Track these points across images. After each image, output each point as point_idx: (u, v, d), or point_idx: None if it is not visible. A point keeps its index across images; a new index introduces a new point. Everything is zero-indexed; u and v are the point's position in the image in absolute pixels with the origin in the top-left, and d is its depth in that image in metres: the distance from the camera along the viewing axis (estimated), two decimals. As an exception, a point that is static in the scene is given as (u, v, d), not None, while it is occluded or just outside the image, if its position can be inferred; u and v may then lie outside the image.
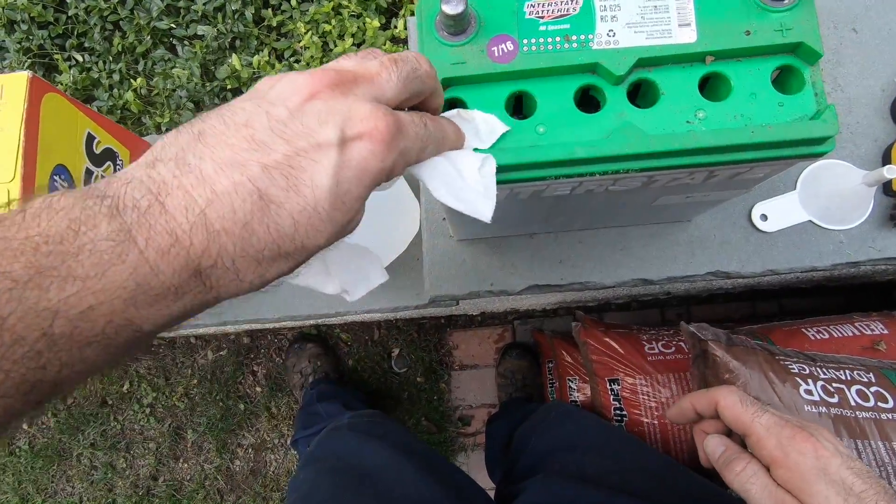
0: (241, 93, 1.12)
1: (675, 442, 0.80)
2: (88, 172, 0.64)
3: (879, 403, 0.58)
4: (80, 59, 1.01)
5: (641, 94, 0.37)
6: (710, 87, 0.36)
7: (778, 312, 1.33)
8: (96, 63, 0.99)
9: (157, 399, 1.41)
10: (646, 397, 0.80)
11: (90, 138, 0.65)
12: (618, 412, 0.82)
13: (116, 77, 1.00)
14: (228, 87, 0.97)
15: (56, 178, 0.59)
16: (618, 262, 0.55)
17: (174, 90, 0.97)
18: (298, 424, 1.17)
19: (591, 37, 0.35)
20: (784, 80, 0.36)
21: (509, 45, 0.35)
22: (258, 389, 1.40)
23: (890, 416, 0.57)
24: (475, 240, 0.57)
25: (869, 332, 0.80)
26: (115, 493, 1.40)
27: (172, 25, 0.97)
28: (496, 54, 0.35)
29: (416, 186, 0.76)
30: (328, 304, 0.80)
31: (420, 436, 1.33)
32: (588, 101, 0.38)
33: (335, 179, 0.22)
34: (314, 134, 0.22)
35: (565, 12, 0.35)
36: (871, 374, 0.61)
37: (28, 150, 0.55)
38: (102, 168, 0.66)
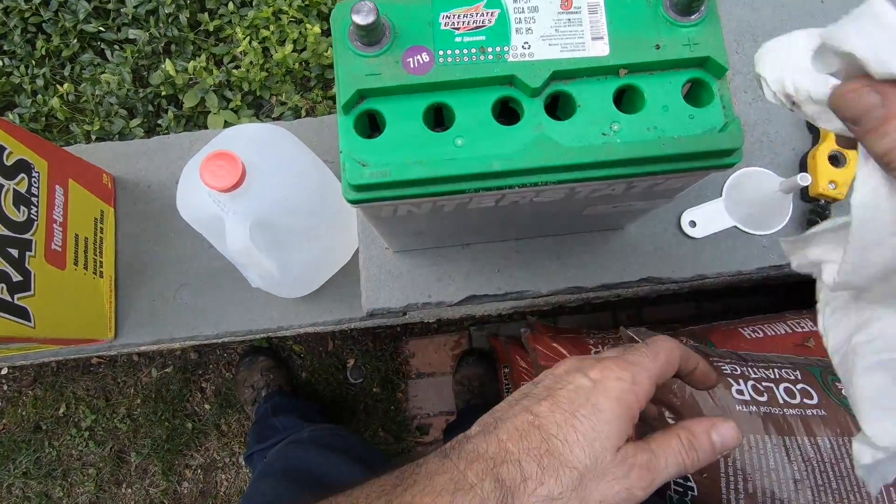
0: (177, 99, 1.09)
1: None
2: (-2, 186, 0.59)
3: (805, 400, 0.60)
4: (-1, 63, 0.95)
5: (560, 107, 0.37)
6: (626, 99, 0.37)
7: (722, 311, 1.38)
8: (17, 67, 0.93)
9: (97, 422, 1.33)
10: (592, 401, 0.81)
11: (0, 149, 0.61)
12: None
13: (40, 82, 0.94)
14: (163, 93, 0.93)
15: (-41, 193, 0.54)
16: (553, 270, 0.55)
17: (104, 96, 0.92)
18: (252, 439, 1.13)
19: (506, 49, 0.35)
20: (695, 94, 0.36)
21: (425, 57, 0.35)
22: (207, 407, 1.35)
23: (814, 412, 0.59)
24: (411, 251, 0.56)
25: (800, 330, 0.83)
26: (52, 524, 1.31)
27: (101, 28, 0.92)
28: (412, 66, 0.35)
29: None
30: (270, 318, 0.77)
31: (378, 447, 1.31)
32: (509, 112, 0.38)
33: None
34: None
35: (481, 24, 0.35)
36: (798, 372, 0.63)
37: (-77, 164, 0.51)
38: (15, 181, 0.62)
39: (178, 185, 0.59)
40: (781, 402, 0.60)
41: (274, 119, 0.95)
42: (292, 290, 0.72)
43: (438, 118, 0.38)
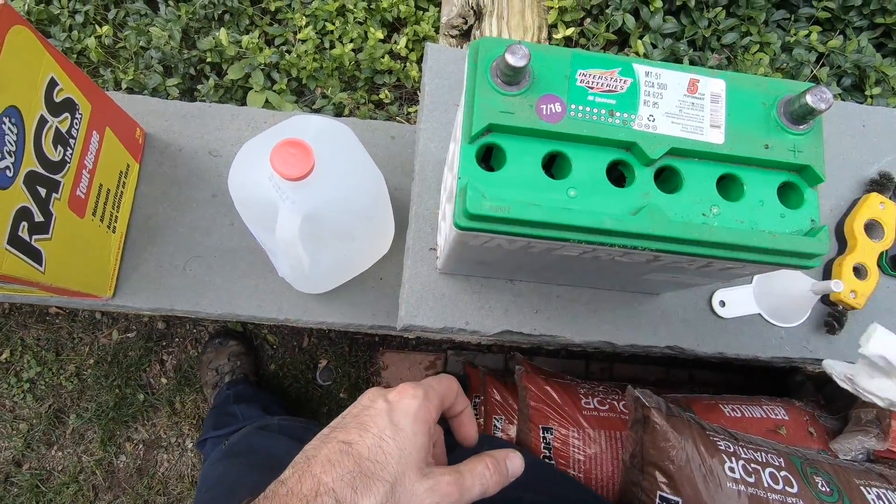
0: (220, 69, 1.06)
1: (599, 492, 0.83)
2: (42, 121, 0.57)
3: (787, 487, 0.64)
4: (39, -13, 0.90)
5: (665, 179, 0.39)
6: (725, 185, 0.39)
7: (687, 381, 1.43)
8: (59, -2, 0.89)
9: (41, 375, 1.25)
10: (576, 450, 0.82)
11: (52, 84, 0.58)
12: (546, 460, 0.84)
13: (80, 18, 0.90)
14: (208, 59, 0.91)
15: (5, 120, 0.52)
16: (589, 322, 0.57)
17: (146, 49, 0.89)
18: (209, 424, 1.08)
19: (633, 117, 0.37)
20: (785, 195, 0.39)
21: (558, 107, 0.36)
22: (164, 381, 1.28)
23: (794, 500, 0.63)
24: (459, 276, 0.56)
25: (773, 417, 0.88)
26: (-36, 475, 1.21)
27: (158, -20, 0.90)
28: (544, 112, 0.36)
29: (397, 209, 0.75)
30: (279, 308, 0.75)
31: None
32: (610, 171, 0.40)
33: None
34: None
35: (613, 89, 0.37)
36: (782, 459, 0.67)
37: (-20, 83, 0.48)
38: (59, 119, 0.59)
39: (234, 160, 0.58)
40: (766, 485, 0.63)
41: (314, 110, 0.94)
42: (314, 286, 0.71)
43: (547, 164, 0.39)
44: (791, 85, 0.38)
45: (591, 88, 0.37)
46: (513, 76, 0.35)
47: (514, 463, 0.33)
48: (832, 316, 0.59)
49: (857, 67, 0.98)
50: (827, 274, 0.61)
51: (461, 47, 0.89)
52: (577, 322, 0.57)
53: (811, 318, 0.60)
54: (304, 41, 0.89)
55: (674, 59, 0.94)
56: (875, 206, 0.62)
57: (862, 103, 0.98)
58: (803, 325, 0.60)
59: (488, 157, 0.39)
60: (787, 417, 0.89)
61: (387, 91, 0.94)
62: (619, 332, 0.57)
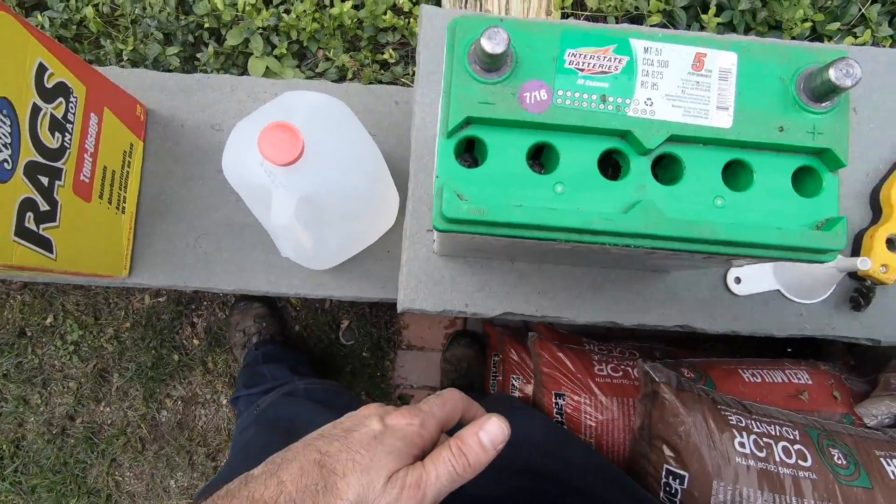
0: (219, 34, 1.02)
1: (610, 456, 0.84)
2: (36, 109, 0.56)
3: (800, 461, 0.63)
4: (32, -45, 0.87)
5: (664, 166, 0.36)
6: (732, 172, 0.36)
7: (710, 339, 1.40)
8: (53, -35, 0.86)
9: (84, 338, 1.33)
10: (587, 416, 0.83)
11: (41, 69, 0.57)
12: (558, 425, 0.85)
13: (76, -13, 0.88)
14: (206, 25, 0.87)
15: (-3, 112, 0.51)
16: (594, 302, 0.55)
17: (142, 17, 0.86)
18: (241, 382, 1.14)
19: (628, 101, 0.33)
20: (801, 180, 0.36)
21: (543, 94, 0.33)
22: (196, 342, 1.35)
23: (806, 474, 0.62)
24: (457, 257, 0.55)
25: (795, 381, 0.86)
26: (26, 428, 1.33)
27: (149, -58, 0.86)
28: (528, 101, 0.33)
29: (402, 179, 0.73)
30: (290, 284, 0.76)
31: (358, 409, 1.33)
32: (605, 159, 0.36)
33: None
34: None
35: (606, 70, 0.33)
36: (797, 432, 0.65)
37: (-35, 79, 0.47)
38: (53, 105, 0.59)
39: (226, 145, 0.56)
40: (778, 460, 0.62)
41: (317, 74, 0.90)
42: (320, 264, 0.71)
43: (535, 154, 0.36)
44: (815, 54, 0.34)
45: (582, 71, 0.33)
46: (491, 63, 0.32)
47: (491, 431, 0.31)
48: (859, 291, 0.55)
49: (917, 0, 0.86)
50: (857, 244, 0.56)
51: (464, 6, 0.83)
52: (580, 302, 0.55)
53: (835, 293, 0.57)
54: (301, 0, 0.84)
55: (700, 2, 0.84)
56: (919, 169, 0.56)
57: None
58: (826, 301, 0.56)
59: (474, 148, 0.36)
60: (810, 382, 0.86)
61: (391, 50, 0.90)
62: (625, 312, 0.55)
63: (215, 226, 0.77)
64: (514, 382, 1.16)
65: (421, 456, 0.31)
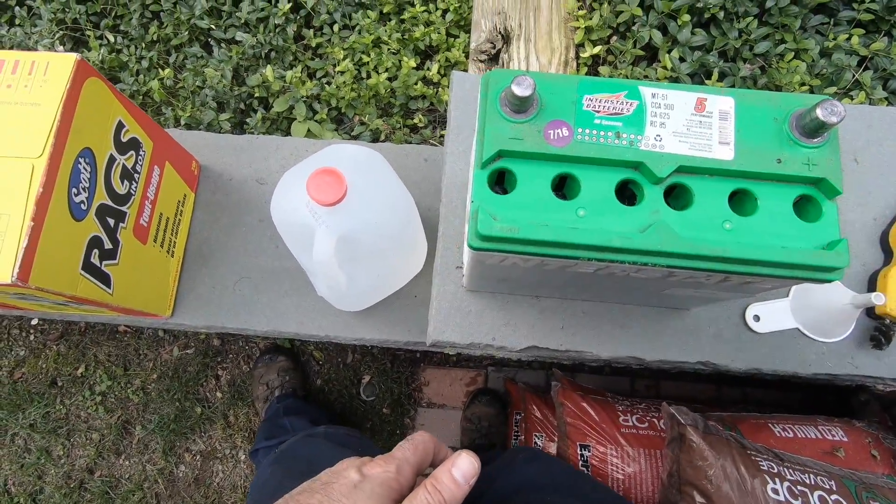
0: (267, 102, 1.15)
1: (636, 517, 0.81)
2: (112, 159, 0.64)
3: (837, 512, 0.60)
4: (111, 39, 1.01)
5: (676, 195, 0.40)
6: (738, 200, 0.39)
7: (741, 399, 1.36)
8: (128, 46, 0.99)
9: (111, 388, 1.35)
10: (614, 468, 0.81)
11: (119, 126, 0.65)
12: (584, 479, 0.83)
13: (145, 64, 1.01)
14: (256, 94, 0.98)
15: (81, 160, 0.59)
16: (616, 337, 0.57)
17: (201, 88, 0.98)
18: (261, 435, 1.14)
19: (639, 137, 0.38)
20: (803, 208, 0.39)
21: (565, 131, 0.38)
22: (219, 395, 1.36)
23: (846, 525, 0.59)
24: (485, 293, 0.58)
25: (830, 438, 0.83)
26: (45, 480, 1.32)
27: (213, 26, 0.99)
28: (552, 136, 0.38)
29: (430, 229, 0.78)
30: (319, 326, 0.80)
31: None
32: (622, 190, 0.41)
33: None
34: None
35: (619, 111, 0.38)
36: (833, 482, 0.64)
37: (61, 130, 0.55)
38: (125, 156, 0.66)
39: (276, 189, 0.63)
40: (814, 509, 0.60)
41: (353, 136, 0.99)
42: (351, 304, 0.75)
43: (559, 186, 0.41)
44: (802, 99, 0.39)
45: (598, 112, 0.38)
46: (520, 105, 0.37)
47: (462, 466, 0.32)
48: (879, 330, 0.57)
49: (905, 70, 0.93)
50: (871, 286, 0.58)
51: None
52: (603, 337, 0.57)
53: (855, 331, 0.58)
54: (342, 73, 0.95)
55: (704, 71, 0.92)
56: (924, 214, 0.59)
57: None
58: (847, 339, 0.57)
59: (504, 181, 0.41)
60: (846, 439, 0.84)
61: (420, 115, 0.99)
62: (647, 348, 0.57)
63: (253, 271, 0.82)
64: (536, 441, 1.14)
65: (399, 500, 0.32)
